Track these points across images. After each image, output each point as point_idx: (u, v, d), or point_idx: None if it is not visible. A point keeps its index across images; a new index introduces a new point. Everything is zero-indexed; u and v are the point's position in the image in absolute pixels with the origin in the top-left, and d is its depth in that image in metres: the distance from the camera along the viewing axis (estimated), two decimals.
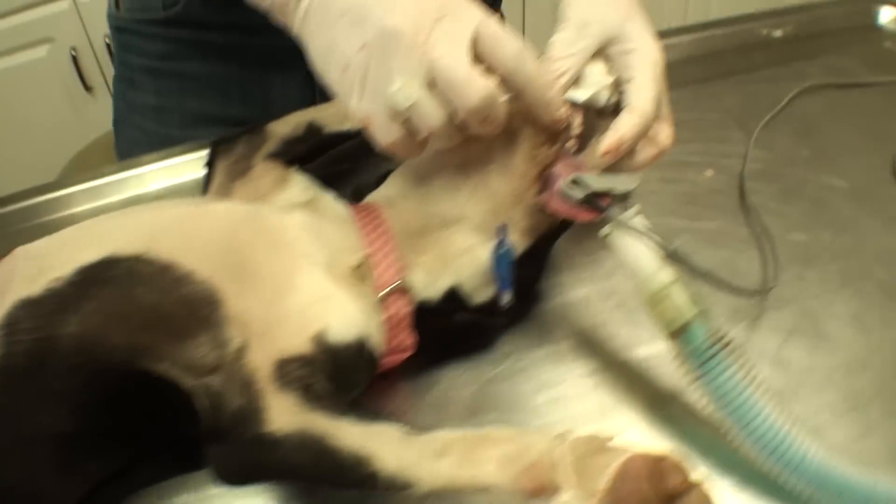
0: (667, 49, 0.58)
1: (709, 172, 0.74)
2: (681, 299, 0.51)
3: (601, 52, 0.59)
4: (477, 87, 0.46)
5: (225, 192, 0.62)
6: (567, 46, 0.57)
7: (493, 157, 0.55)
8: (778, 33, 0.88)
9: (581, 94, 0.59)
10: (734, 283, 0.56)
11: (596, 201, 0.52)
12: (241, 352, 0.44)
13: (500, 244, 0.54)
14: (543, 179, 0.55)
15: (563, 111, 0.54)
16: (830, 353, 0.59)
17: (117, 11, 0.87)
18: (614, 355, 0.59)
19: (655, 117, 0.58)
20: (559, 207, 0.53)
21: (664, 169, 0.74)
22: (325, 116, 0.68)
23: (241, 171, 0.62)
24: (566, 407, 0.56)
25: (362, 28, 0.46)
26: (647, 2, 0.62)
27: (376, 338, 0.52)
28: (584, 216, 0.53)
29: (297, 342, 0.46)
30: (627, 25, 0.58)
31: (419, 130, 0.48)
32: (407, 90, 0.45)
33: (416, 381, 0.58)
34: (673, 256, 0.51)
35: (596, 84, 0.59)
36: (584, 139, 0.58)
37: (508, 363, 0.59)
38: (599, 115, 0.59)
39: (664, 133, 0.60)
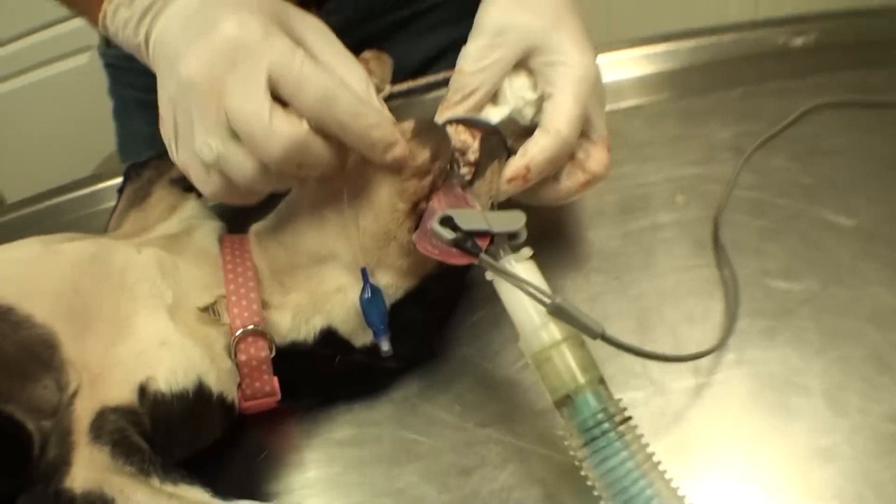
0: (664, 56, 0.50)
1: (679, 199, 0.63)
2: (565, 364, 0.42)
3: (524, 65, 0.51)
4: (279, 137, 0.41)
5: (120, 221, 0.59)
6: (479, 58, 0.50)
7: (360, 190, 0.48)
8: (798, 42, 0.75)
9: (494, 114, 0.52)
10: (671, 344, 0.47)
11: (469, 243, 0.44)
12: (72, 398, 0.42)
13: (365, 288, 0.48)
14: (417, 215, 0.47)
15: (398, 150, 0.45)
16: (790, 434, 0.47)
17: (107, 49, 0.89)
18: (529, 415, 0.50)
19: (575, 140, 0.49)
20: (427, 249, 0.45)
21: (624, 191, 0.64)
22: None
23: (140, 197, 0.59)
24: (439, 459, 0.48)
25: (170, 79, 0.44)
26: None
27: (225, 384, 0.47)
28: (455, 259, 0.45)
29: (121, 392, 0.43)
30: (553, 35, 0.50)
31: (233, 181, 0.44)
32: (209, 145, 0.42)
33: (303, 421, 0.52)
34: (558, 313, 0.42)
35: (514, 101, 0.51)
36: (482, 166, 0.50)
37: (394, 407, 0.52)
38: (524, 137, 0.51)
39: (596, 158, 0.52)
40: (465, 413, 0.51)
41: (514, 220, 0.46)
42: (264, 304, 0.49)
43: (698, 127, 0.69)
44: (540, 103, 0.51)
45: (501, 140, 0.51)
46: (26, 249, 0.47)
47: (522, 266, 0.45)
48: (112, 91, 0.92)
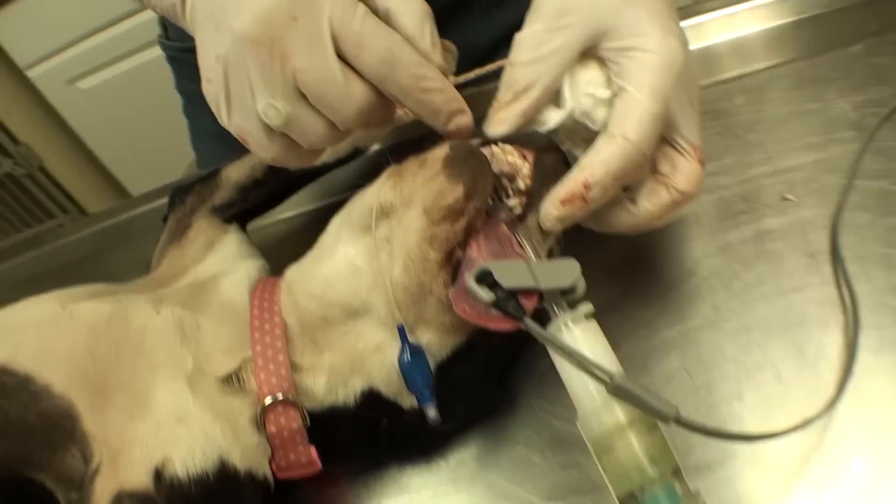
0: (764, 12, 0.41)
1: (789, 196, 0.52)
2: (631, 454, 0.35)
3: (594, 53, 0.42)
4: (353, 99, 0.40)
5: (161, 258, 0.56)
6: (535, 46, 0.41)
7: (391, 234, 0.42)
8: None
9: (554, 118, 0.43)
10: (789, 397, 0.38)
11: (512, 305, 0.37)
12: (95, 474, 0.40)
13: (403, 350, 0.42)
14: (453, 265, 0.40)
15: (464, 119, 0.41)
16: None
17: (168, 41, 0.85)
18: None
19: (650, 147, 0.41)
20: (465, 310, 0.38)
21: (723, 190, 0.54)
22: None
23: (181, 230, 0.56)
24: None
25: (219, 34, 0.40)
26: None
27: (253, 460, 0.43)
28: (496, 324, 0.38)
29: (137, 474, 0.40)
30: (628, 12, 0.41)
31: (301, 142, 0.42)
32: (275, 108, 0.40)
33: (354, 485, 0.48)
34: (621, 394, 0.35)
35: (578, 100, 0.42)
36: (536, 196, 0.42)
37: (450, 473, 0.46)
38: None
39: (684, 171, 0.42)
40: (531, 482, 0.44)
41: (568, 272, 0.38)
42: (295, 367, 0.44)
43: (810, 98, 0.58)
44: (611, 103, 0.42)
45: (561, 158, 0.43)
46: (43, 309, 0.45)
47: (580, 329, 0.37)
48: (177, 86, 0.89)
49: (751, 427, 0.43)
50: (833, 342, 0.45)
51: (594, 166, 0.40)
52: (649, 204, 0.43)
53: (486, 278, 0.38)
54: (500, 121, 0.42)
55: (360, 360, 0.44)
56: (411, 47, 0.40)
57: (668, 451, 0.36)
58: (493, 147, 0.42)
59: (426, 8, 0.42)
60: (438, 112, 0.41)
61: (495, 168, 0.42)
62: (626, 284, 0.51)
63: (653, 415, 0.35)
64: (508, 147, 0.42)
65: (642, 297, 0.50)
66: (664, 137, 0.42)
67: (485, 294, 0.37)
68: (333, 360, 0.44)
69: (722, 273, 0.50)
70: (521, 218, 0.42)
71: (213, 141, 0.84)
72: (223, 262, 0.51)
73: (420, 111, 0.41)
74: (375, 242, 0.42)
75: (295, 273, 0.47)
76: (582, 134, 0.44)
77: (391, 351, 0.43)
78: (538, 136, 0.42)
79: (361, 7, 0.39)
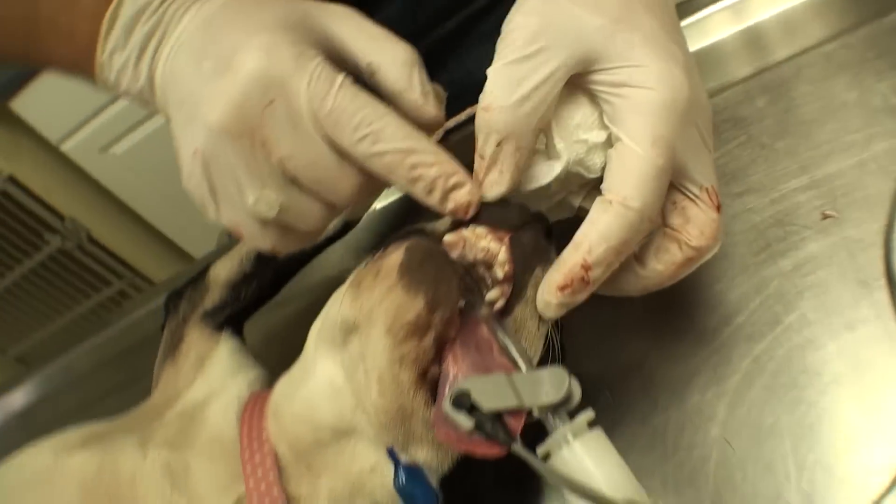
0: None
1: (830, 213, 0.45)
2: None
3: (581, 85, 0.37)
4: (349, 176, 0.37)
5: (159, 374, 0.53)
6: (512, 85, 0.36)
7: (364, 351, 0.37)
8: None
9: (541, 173, 0.38)
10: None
11: (497, 429, 0.32)
12: None
13: (397, 473, 0.37)
14: (431, 383, 0.36)
15: (463, 195, 0.37)
16: None
17: None
18: None
19: (656, 209, 0.35)
20: (448, 435, 0.34)
21: (752, 215, 0.47)
22: None
23: (174, 343, 0.53)
24: None
25: (193, 127, 0.37)
26: None
27: None
28: (483, 450, 0.33)
29: None
30: (618, 37, 0.35)
31: (298, 227, 0.39)
32: (267, 199, 0.37)
33: None
34: None
35: (569, 150, 0.37)
36: (521, 282, 0.37)
37: None
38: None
39: (698, 222, 0.37)
40: None
41: (557, 381, 0.33)
42: (293, 499, 0.40)
43: (845, 87, 0.50)
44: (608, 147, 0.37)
45: (542, 230, 0.38)
46: (38, 464, 0.43)
47: (582, 444, 0.32)
48: None
49: None
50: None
51: (592, 242, 0.35)
52: (659, 264, 0.37)
53: (464, 400, 0.33)
54: (494, 183, 0.37)
55: (359, 482, 0.40)
56: (395, 117, 0.36)
57: None
58: (464, 231, 0.37)
59: (411, 54, 0.38)
60: (432, 190, 0.37)
61: (469, 256, 0.37)
62: (651, 341, 0.45)
63: None
64: (480, 229, 0.37)
65: (670, 355, 0.44)
66: (672, 184, 0.37)
67: (464, 420, 0.33)
68: (332, 484, 0.40)
69: (760, 317, 0.43)
70: (506, 311, 0.37)
71: None
72: (212, 383, 0.48)
73: (412, 191, 0.37)
74: (349, 360, 0.38)
75: (281, 393, 0.43)
76: (577, 181, 0.39)
77: (388, 471, 0.38)
78: (508, 209, 0.37)
79: (340, 77, 0.36)
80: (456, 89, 0.42)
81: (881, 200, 0.44)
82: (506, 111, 0.35)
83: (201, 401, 0.46)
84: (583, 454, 0.32)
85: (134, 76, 0.40)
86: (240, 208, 0.38)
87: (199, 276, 0.55)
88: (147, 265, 1.54)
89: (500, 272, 0.36)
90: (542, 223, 0.38)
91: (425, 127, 0.38)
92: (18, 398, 0.80)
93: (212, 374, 0.49)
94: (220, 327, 0.52)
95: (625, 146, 0.34)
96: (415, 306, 0.34)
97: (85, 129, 1.42)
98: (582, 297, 0.36)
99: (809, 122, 0.49)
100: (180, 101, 0.38)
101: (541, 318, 0.37)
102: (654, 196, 0.34)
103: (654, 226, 0.36)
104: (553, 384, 0.32)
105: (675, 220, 0.37)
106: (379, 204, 0.65)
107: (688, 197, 0.37)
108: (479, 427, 0.32)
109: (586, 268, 0.35)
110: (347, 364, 0.38)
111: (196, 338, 0.51)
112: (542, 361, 0.38)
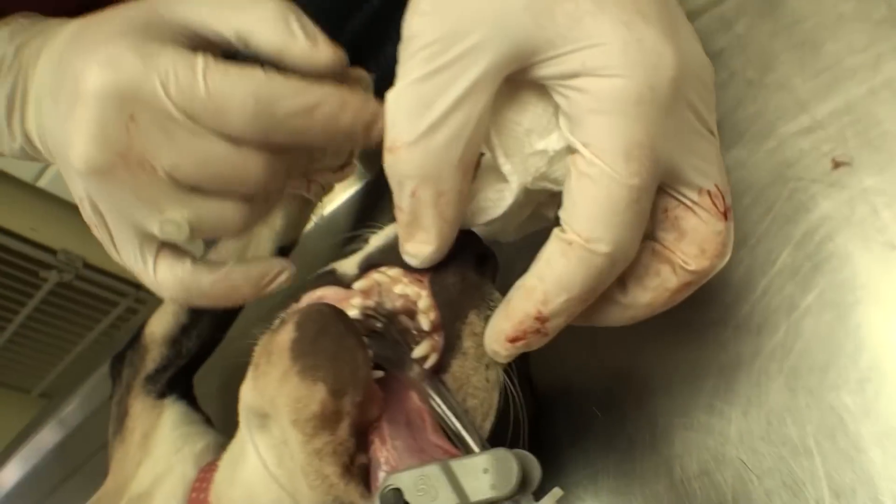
0: None
1: (841, 160, 0.37)
2: None
3: (521, 78, 0.28)
4: (253, 159, 0.30)
5: (112, 452, 0.48)
6: (416, 113, 0.27)
7: (286, 436, 0.31)
8: None
9: (493, 203, 0.30)
10: None
11: None
12: None
13: None
14: (362, 471, 0.29)
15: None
16: None
17: None
18: None
19: (633, 243, 0.27)
20: None
21: (742, 173, 0.39)
22: None
23: (120, 417, 0.48)
24: None
25: (69, 177, 0.32)
26: None
27: None
28: None
29: None
30: (557, 10, 0.26)
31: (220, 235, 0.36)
32: (172, 222, 0.31)
33: None
34: None
35: (522, 171, 0.29)
36: (452, 331, 0.30)
37: None
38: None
39: (698, 237, 0.28)
40: None
41: (504, 470, 0.26)
42: None
43: None
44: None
45: (475, 256, 0.30)
46: None
47: None
48: None
49: None
50: None
51: (548, 291, 0.27)
52: (647, 293, 0.29)
53: (394, 500, 0.26)
54: (420, 243, 0.30)
55: None
56: (278, 75, 0.29)
57: None
58: (375, 275, 0.30)
59: (279, 4, 0.30)
60: (352, 132, 0.29)
61: (387, 304, 0.30)
62: (641, 343, 0.38)
63: None
64: (394, 271, 0.30)
65: (665, 359, 0.37)
66: (661, 187, 0.28)
67: None
68: None
69: (770, 302, 0.35)
70: (441, 368, 0.30)
71: None
72: (157, 465, 0.43)
73: (333, 144, 0.31)
74: (274, 446, 0.31)
75: (222, 477, 0.38)
76: (546, 193, 0.30)
77: None
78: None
79: (201, 60, 0.29)
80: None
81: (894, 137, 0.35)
82: (414, 149, 0.27)
83: (147, 489, 0.42)
84: None
85: (10, 137, 0.36)
86: (137, 245, 0.32)
87: (136, 336, 0.50)
88: None
89: (424, 322, 0.29)
90: (470, 249, 0.30)
91: (327, 74, 0.30)
92: (49, 435, 0.79)
93: (156, 454, 0.44)
94: (164, 392, 0.47)
95: (587, 163, 0.26)
96: (316, 396, 0.27)
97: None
98: (538, 345, 0.29)
99: (802, 45, 0.40)
100: (55, 151, 0.33)
101: (489, 366, 0.30)
102: (631, 232, 0.26)
103: (625, 262, 0.27)
104: (499, 472, 0.25)
105: (666, 235, 0.28)
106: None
107: (683, 204, 0.28)
108: None
109: (541, 319, 0.27)
110: (274, 449, 0.32)
111: (139, 411, 0.47)
112: (503, 416, 0.31)
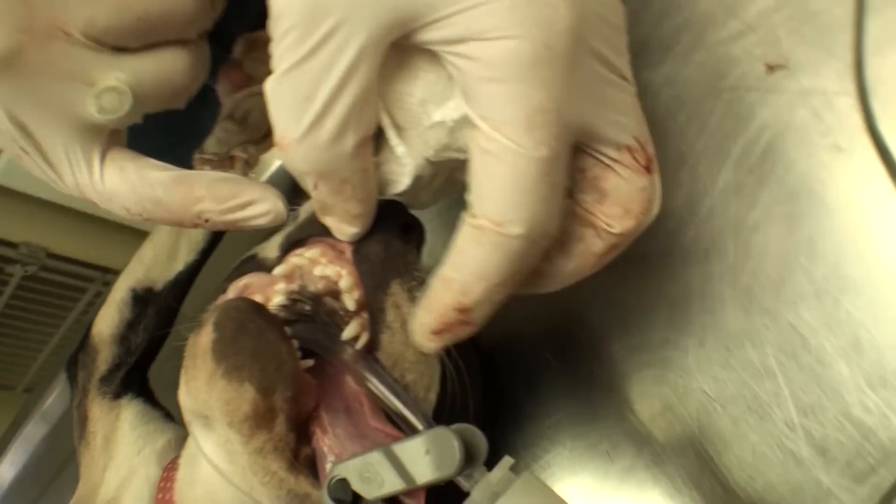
0: None
1: (775, 63, 0.35)
2: None
3: (408, 45, 0.25)
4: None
5: (80, 458, 0.47)
6: (298, 105, 0.24)
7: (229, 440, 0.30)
8: None
9: (396, 177, 0.28)
10: None
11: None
12: None
13: None
14: (308, 461, 0.28)
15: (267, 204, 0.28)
16: None
17: None
18: None
19: (556, 222, 0.25)
20: None
21: (666, 91, 0.37)
22: (150, 266, 0.47)
23: (82, 422, 0.47)
24: None
25: None
26: None
27: None
28: None
29: None
30: None
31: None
32: (109, 90, 0.27)
33: None
34: None
35: (425, 136, 0.26)
36: (377, 306, 0.28)
37: None
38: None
39: (620, 196, 0.26)
40: None
41: (445, 448, 0.24)
42: None
43: None
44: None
45: (399, 224, 0.29)
46: None
47: (512, 499, 0.24)
48: None
49: None
50: None
51: (465, 281, 0.25)
52: (572, 259, 0.27)
53: (343, 491, 0.25)
54: (339, 231, 0.28)
55: None
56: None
57: None
58: (293, 259, 0.28)
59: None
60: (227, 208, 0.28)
61: (311, 288, 0.28)
62: (590, 285, 0.36)
63: None
64: (313, 252, 0.28)
65: (616, 297, 0.35)
66: (577, 145, 0.25)
67: None
68: None
69: (716, 224, 0.34)
70: (374, 346, 0.28)
71: None
72: (121, 468, 0.43)
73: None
74: (222, 444, 0.30)
75: (183, 477, 0.37)
76: (455, 161, 0.28)
77: None
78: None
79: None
80: None
81: (840, 29, 0.33)
82: (302, 146, 0.25)
83: (114, 494, 0.41)
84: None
85: None
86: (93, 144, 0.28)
87: (85, 337, 0.48)
88: (113, 258, 1.47)
89: (349, 302, 0.28)
90: (394, 217, 0.28)
91: None
92: (35, 430, 0.78)
93: (119, 458, 0.43)
94: (119, 392, 0.45)
95: (486, 138, 0.23)
96: (245, 397, 0.26)
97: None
98: (466, 334, 0.26)
99: None
100: None
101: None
102: (546, 207, 0.24)
103: (553, 238, 0.25)
104: (441, 451, 0.24)
105: (586, 197, 0.26)
106: None
107: (601, 163, 0.25)
108: None
109: (463, 311, 0.25)
110: (222, 447, 0.31)
111: (98, 414, 0.45)
112: (448, 384, 0.30)
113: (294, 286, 0.28)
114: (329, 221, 0.27)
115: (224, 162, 0.40)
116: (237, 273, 0.32)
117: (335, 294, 0.28)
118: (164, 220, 0.29)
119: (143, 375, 0.47)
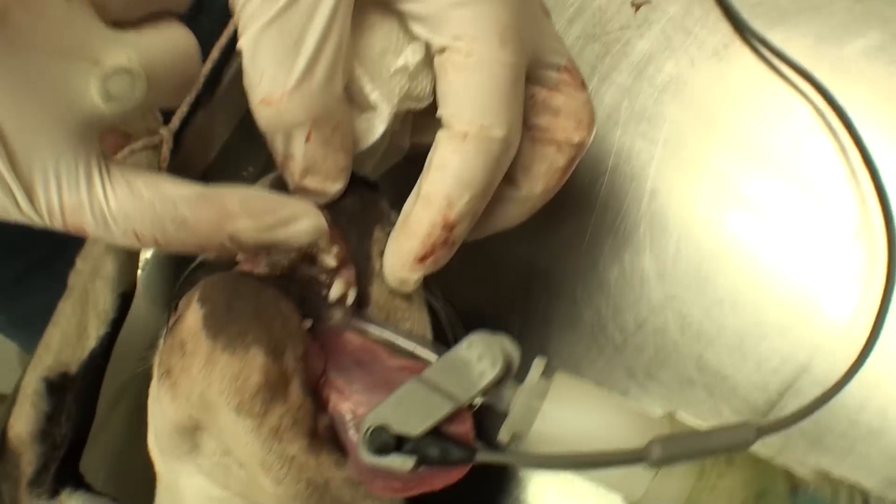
0: None
1: (639, 1, 0.39)
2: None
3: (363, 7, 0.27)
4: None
5: None
6: (285, 56, 0.24)
7: (227, 443, 0.27)
8: None
9: (367, 128, 0.28)
10: None
11: (445, 448, 0.24)
12: None
13: None
14: (327, 433, 0.26)
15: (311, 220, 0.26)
16: None
17: None
18: None
19: (514, 127, 0.26)
20: (388, 487, 0.25)
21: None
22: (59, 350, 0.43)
23: None
24: None
25: None
26: None
27: None
28: (441, 482, 0.24)
29: None
30: None
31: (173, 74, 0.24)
32: (119, 70, 0.21)
33: None
34: (672, 456, 0.22)
35: (389, 85, 0.28)
36: (364, 251, 0.28)
37: None
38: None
39: (570, 111, 0.28)
40: None
41: (487, 350, 0.24)
42: None
43: None
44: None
45: (361, 179, 0.29)
46: None
47: (550, 406, 0.24)
48: None
49: None
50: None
51: (450, 193, 0.25)
52: (538, 182, 0.29)
53: (384, 438, 0.24)
54: (319, 194, 0.27)
55: None
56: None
57: (768, 470, 0.24)
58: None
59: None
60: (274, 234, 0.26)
61: (282, 260, 0.27)
62: (529, 248, 0.37)
63: (729, 451, 0.23)
64: None
65: (559, 253, 0.37)
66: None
67: (399, 461, 0.24)
68: None
69: (625, 144, 0.37)
70: (363, 302, 0.27)
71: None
72: None
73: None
74: (213, 464, 0.28)
75: None
76: (400, 117, 0.29)
77: None
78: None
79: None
80: None
81: None
82: (297, 94, 0.24)
83: None
84: (559, 415, 0.24)
85: None
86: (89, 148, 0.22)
87: (1, 444, 0.43)
88: None
89: (329, 259, 0.27)
90: (353, 176, 0.28)
91: None
92: None
93: None
94: (56, 489, 0.40)
95: (463, 54, 0.25)
96: (254, 364, 0.24)
97: None
98: (445, 261, 0.27)
99: None
100: None
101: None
102: (518, 111, 0.26)
103: (517, 146, 0.27)
104: (485, 354, 0.24)
105: (540, 120, 0.28)
106: None
107: (547, 86, 0.28)
108: (422, 461, 0.23)
109: (448, 227, 0.26)
110: (214, 469, 0.28)
111: None
112: (440, 336, 0.29)
113: (261, 268, 0.27)
114: (311, 182, 0.27)
115: None
116: (187, 286, 0.30)
117: (311, 258, 0.27)
118: (187, 246, 0.25)
119: (75, 467, 0.42)
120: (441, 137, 0.26)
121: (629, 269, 0.35)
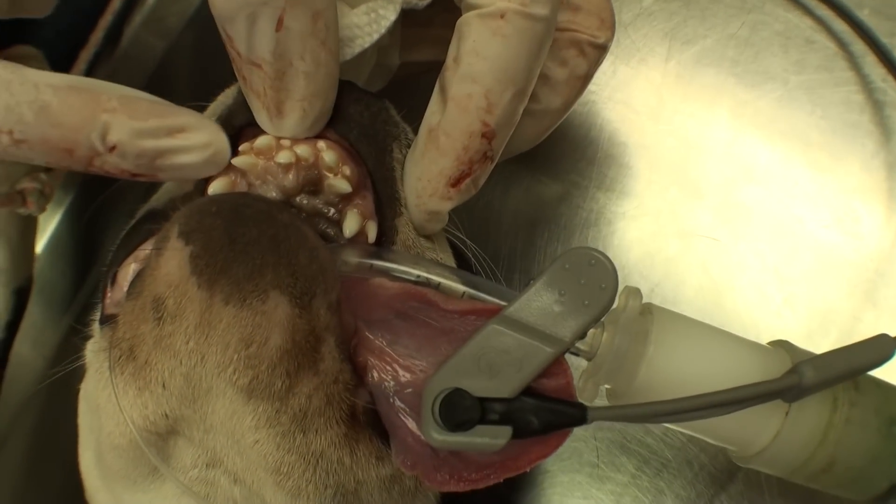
0: None
1: None
2: (865, 441, 0.20)
3: None
4: None
5: None
6: None
7: (220, 454, 0.20)
8: None
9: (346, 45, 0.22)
10: None
11: (557, 407, 0.18)
12: None
13: None
14: (367, 415, 0.19)
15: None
16: None
17: None
18: None
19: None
20: (459, 479, 0.18)
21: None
22: None
23: None
24: None
25: None
26: None
27: None
28: (546, 451, 0.18)
29: None
30: None
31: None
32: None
33: None
34: (815, 385, 0.18)
35: None
36: (382, 174, 0.21)
37: None
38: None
39: (594, 6, 0.24)
40: None
41: (594, 274, 0.18)
42: None
43: None
44: None
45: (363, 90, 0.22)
46: None
47: (656, 346, 0.19)
48: None
49: None
50: None
51: (490, 89, 0.20)
52: (558, 92, 0.24)
53: (464, 407, 0.17)
54: (302, 117, 0.20)
55: None
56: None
57: (890, 393, 0.21)
58: (234, 162, 0.20)
59: None
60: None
61: (272, 191, 0.20)
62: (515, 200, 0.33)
63: (872, 367, 0.19)
64: (265, 140, 0.20)
65: (546, 205, 0.32)
66: None
67: (489, 435, 0.17)
68: None
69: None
70: (387, 232, 0.21)
71: None
72: None
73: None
74: (200, 482, 0.20)
75: None
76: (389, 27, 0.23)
77: None
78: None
79: None
80: None
81: None
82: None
83: None
84: (668, 357, 0.19)
85: None
86: None
87: None
88: None
89: (341, 184, 0.20)
90: (348, 86, 0.21)
91: None
92: None
93: None
94: None
95: None
96: (275, 317, 0.17)
97: None
98: (481, 183, 0.22)
99: None
100: None
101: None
102: None
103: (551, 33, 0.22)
104: (590, 280, 0.18)
105: (562, 17, 0.24)
106: None
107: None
108: (523, 430, 0.17)
109: (489, 136, 0.20)
110: (190, 489, 0.20)
111: None
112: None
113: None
114: (288, 99, 0.19)
115: (12, 197, 0.28)
116: (130, 242, 0.22)
117: (314, 183, 0.20)
118: (47, 145, 0.18)
119: None
120: (468, 21, 0.20)
121: None
